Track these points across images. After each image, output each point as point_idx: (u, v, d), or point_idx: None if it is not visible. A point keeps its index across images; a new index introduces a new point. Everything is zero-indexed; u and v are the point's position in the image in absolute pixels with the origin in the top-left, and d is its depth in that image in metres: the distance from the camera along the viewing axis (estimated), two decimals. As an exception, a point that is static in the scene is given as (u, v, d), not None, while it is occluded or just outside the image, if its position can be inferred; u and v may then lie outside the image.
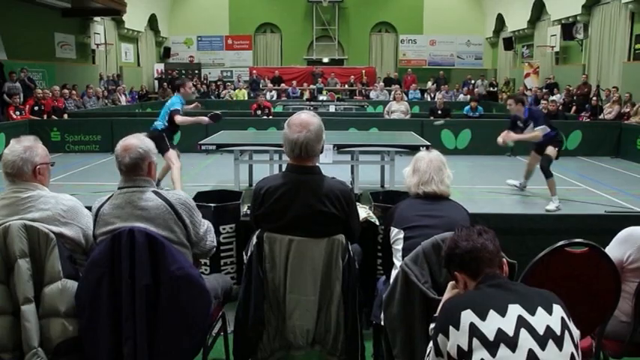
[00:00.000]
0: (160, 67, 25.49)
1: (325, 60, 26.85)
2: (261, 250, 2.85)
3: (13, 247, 2.55)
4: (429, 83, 23.16)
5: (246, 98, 21.15)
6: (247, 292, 2.88)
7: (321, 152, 2.95)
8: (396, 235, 2.89)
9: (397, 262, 2.83)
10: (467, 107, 14.40)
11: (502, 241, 2.49)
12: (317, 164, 2.95)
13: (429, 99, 20.29)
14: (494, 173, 9.92)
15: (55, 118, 13.48)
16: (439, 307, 2.12)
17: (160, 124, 7.66)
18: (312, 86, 22.68)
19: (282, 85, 22.88)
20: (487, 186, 8.50)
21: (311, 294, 2.87)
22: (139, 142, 2.71)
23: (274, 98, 20.77)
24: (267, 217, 2.88)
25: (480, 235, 2.15)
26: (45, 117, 13.36)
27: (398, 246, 2.86)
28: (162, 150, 7.22)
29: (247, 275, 2.89)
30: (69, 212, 2.69)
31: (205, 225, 2.89)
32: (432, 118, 13.20)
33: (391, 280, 2.79)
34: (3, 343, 2.54)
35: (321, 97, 20.50)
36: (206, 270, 3.93)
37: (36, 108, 13.46)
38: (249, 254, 2.90)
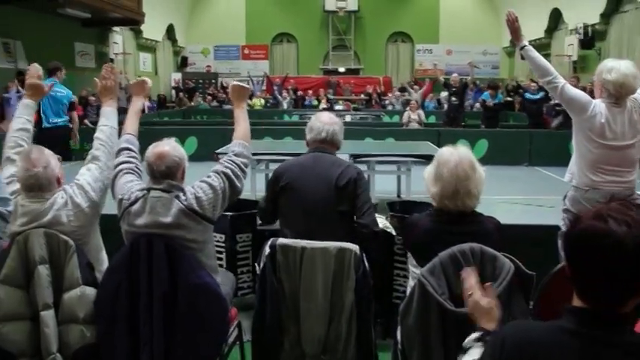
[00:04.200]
0: (177, 76, 25.64)
1: (341, 70, 26.85)
2: (275, 259, 2.85)
3: (34, 254, 2.58)
4: (444, 93, 23.02)
5: (262, 107, 21.22)
6: (263, 302, 2.88)
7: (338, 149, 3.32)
8: (413, 261, 2.79)
9: (412, 281, 2.78)
10: (486, 93, 14.28)
11: (517, 253, 2.48)
12: None
13: (445, 107, 20.17)
14: (511, 183, 9.86)
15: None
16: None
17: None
18: (329, 93, 22.60)
19: (299, 93, 22.92)
20: (503, 196, 8.45)
21: (322, 303, 2.87)
22: (173, 149, 2.74)
23: (290, 107, 20.80)
24: (287, 187, 3.14)
25: None
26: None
27: (415, 269, 2.80)
28: None
29: (262, 285, 2.90)
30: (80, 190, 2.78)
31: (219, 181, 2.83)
32: (445, 94, 13.02)
33: (407, 291, 2.78)
34: (22, 349, 2.57)
35: (337, 107, 20.51)
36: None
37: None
38: (262, 264, 2.91)
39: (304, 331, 2.91)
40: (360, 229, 3.13)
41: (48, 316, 2.57)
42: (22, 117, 3.11)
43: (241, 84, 3.29)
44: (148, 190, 2.70)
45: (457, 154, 2.65)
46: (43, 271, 2.58)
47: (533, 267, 2.50)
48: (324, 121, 3.29)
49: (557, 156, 9.38)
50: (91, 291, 2.64)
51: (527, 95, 13.55)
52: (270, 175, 3.26)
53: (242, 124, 3.12)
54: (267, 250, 2.88)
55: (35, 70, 3.27)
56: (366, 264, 2.87)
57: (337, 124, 3.33)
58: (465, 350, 1.88)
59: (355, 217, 3.16)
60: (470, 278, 2.06)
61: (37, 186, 2.70)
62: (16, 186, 2.78)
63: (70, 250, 2.62)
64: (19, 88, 12.88)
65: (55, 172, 2.78)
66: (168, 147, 2.74)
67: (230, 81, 21.73)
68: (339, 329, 2.89)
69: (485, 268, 2.46)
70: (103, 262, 2.90)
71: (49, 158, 2.77)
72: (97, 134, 3.04)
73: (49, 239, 2.61)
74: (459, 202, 2.62)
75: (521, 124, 15.12)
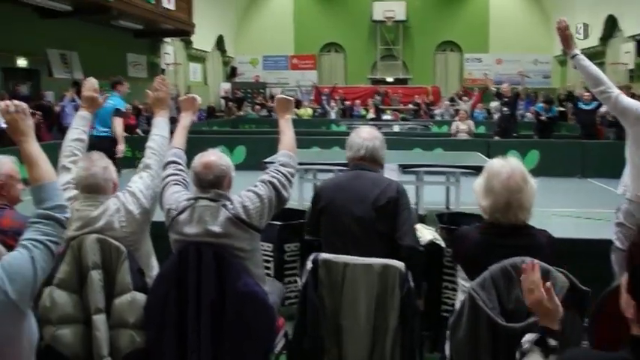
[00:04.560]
0: (227, 86, 26.01)
1: (389, 79, 26.79)
2: (317, 274, 2.83)
3: (87, 259, 2.64)
4: (494, 103, 22.65)
5: (310, 117, 21.32)
6: (302, 319, 2.85)
7: (382, 167, 3.19)
8: (463, 274, 2.71)
9: (462, 295, 2.72)
10: (539, 105, 14.01)
11: (571, 267, 2.40)
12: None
13: (495, 117, 19.87)
14: (563, 196, 9.63)
15: (126, 134, 13.99)
16: None
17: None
18: (376, 98, 22.50)
19: (347, 103, 22.93)
20: (554, 209, 8.25)
21: (364, 322, 2.79)
22: (219, 159, 2.78)
23: (338, 116, 20.82)
24: (328, 207, 3.03)
25: None
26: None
27: (465, 282, 2.75)
28: None
29: (302, 301, 2.87)
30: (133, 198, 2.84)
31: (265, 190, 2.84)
32: (495, 104, 12.77)
33: (457, 305, 2.72)
34: (75, 351, 2.63)
35: (385, 117, 20.44)
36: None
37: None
38: (304, 280, 2.89)
39: (346, 352, 2.83)
40: (401, 250, 2.96)
41: (99, 320, 2.62)
42: (78, 128, 3.22)
43: (286, 97, 3.34)
44: (196, 199, 2.74)
45: (508, 165, 2.56)
46: (96, 276, 2.64)
47: (587, 282, 2.42)
48: (363, 137, 3.16)
49: (611, 167, 9.10)
50: (141, 297, 2.68)
51: (580, 105, 13.20)
52: (317, 186, 3.21)
53: (287, 134, 3.15)
54: (309, 265, 2.85)
55: (91, 83, 3.37)
56: (411, 282, 2.79)
57: (377, 139, 3.17)
58: (523, 353, 1.83)
59: (395, 237, 2.97)
60: (533, 273, 1.99)
61: (94, 185, 2.78)
62: (72, 193, 2.86)
63: (121, 255, 2.67)
64: (75, 97, 13.30)
65: (113, 175, 2.88)
66: (215, 157, 2.78)
67: (277, 91, 22.05)
68: (383, 350, 2.79)
69: (538, 282, 2.39)
70: (154, 267, 2.96)
71: (109, 162, 2.90)
72: (149, 143, 3.11)
73: (101, 245, 2.67)
74: (511, 216, 2.53)
75: (574, 134, 14.78)
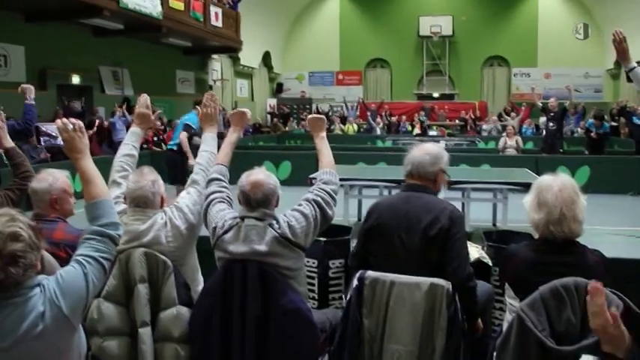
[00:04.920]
0: (273, 101, 26.26)
1: (435, 95, 26.63)
2: (362, 292, 2.78)
3: (134, 272, 2.68)
4: (543, 119, 22.22)
5: (356, 132, 21.33)
6: (343, 337, 2.81)
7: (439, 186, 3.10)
8: (511, 293, 2.63)
9: (510, 315, 2.65)
10: (590, 121, 13.70)
11: (625, 289, 2.31)
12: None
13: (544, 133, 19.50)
14: (616, 214, 9.35)
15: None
16: None
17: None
18: (421, 115, 22.37)
19: (393, 119, 22.85)
20: (607, 227, 8.02)
21: (410, 344, 2.71)
22: (267, 177, 2.79)
23: (384, 132, 20.77)
24: (376, 228, 2.96)
25: None
26: (164, 147, 14.16)
27: (513, 301, 2.66)
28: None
29: (344, 319, 2.83)
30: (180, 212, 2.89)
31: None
32: (543, 119, 12.53)
33: (505, 325, 2.65)
34: (121, 364, 2.66)
35: (431, 132, 20.29)
36: (314, 304, 3.94)
37: (155, 138, 14.27)
38: (348, 297, 2.85)
39: None
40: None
41: (145, 333, 2.65)
42: (129, 143, 3.29)
43: (317, 115, 3.35)
44: (242, 218, 2.74)
45: (559, 180, 2.55)
46: (142, 289, 2.67)
47: (642, 306, 2.33)
48: (417, 153, 3.05)
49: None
50: (186, 311, 2.70)
51: (635, 119, 12.84)
52: (370, 206, 3.12)
53: (325, 152, 3.15)
54: (355, 282, 2.80)
55: (144, 100, 3.43)
56: (458, 303, 2.72)
57: (430, 154, 3.02)
58: None
59: (446, 272, 2.82)
60: (598, 296, 1.88)
61: (142, 198, 2.83)
62: (121, 207, 2.91)
63: (167, 270, 2.70)
64: (125, 112, 13.63)
65: (161, 190, 2.93)
66: (263, 175, 2.79)
67: (324, 107, 22.12)
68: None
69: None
70: (199, 282, 2.98)
71: (158, 177, 2.94)
72: (197, 159, 3.16)
73: (148, 259, 2.71)
74: (565, 228, 2.48)
75: (627, 150, 14.38)
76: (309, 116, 3.37)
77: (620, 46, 3.59)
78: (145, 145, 13.90)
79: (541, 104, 13.55)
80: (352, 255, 3.23)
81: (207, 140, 3.26)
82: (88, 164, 2.28)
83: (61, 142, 2.33)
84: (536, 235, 2.67)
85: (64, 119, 2.31)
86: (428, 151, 3.06)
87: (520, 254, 2.61)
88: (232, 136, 3.32)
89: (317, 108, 24.97)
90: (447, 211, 2.88)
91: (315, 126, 3.27)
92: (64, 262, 2.48)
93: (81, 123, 2.34)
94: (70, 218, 3.09)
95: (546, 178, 2.58)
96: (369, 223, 3.03)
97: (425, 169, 3.01)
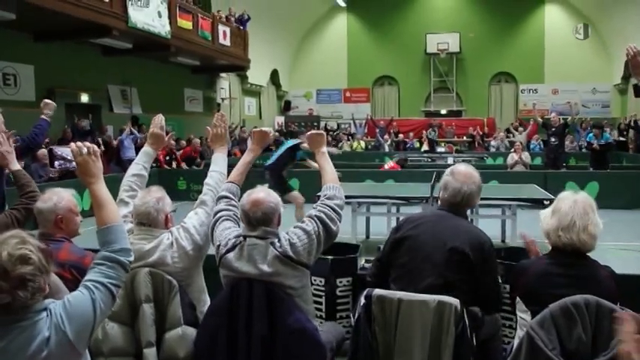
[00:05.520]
0: (281, 119, 26.34)
1: (443, 112, 26.64)
2: (370, 311, 2.76)
3: (139, 292, 2.67)
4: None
5: (363, 149, 21.33)
6: (355, 357, 2.79)
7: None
8: (522, 307, 2.65)
9: (520, 331, 2.63)
10: (590, 134, 13.70)
11: (634, 307, 2.28)
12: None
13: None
14: (626, 229, 9.26)
15: (186, 167, 14.35)
16: None
17: None
18: (430, 133, 22.36)
19: (400, 136, 22.85)
20: (619, 242, 7.94)
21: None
22: (267, 195, 2.75)
23: (392, 149, 20.76)
24: (404, 240, 2.96)
25: None
26: (175, 165, 14.23)
27: (524, 315, 2.66)
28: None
29: (355, 338, 2.80)
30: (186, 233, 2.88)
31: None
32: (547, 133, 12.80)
33: (515, 344, 2.61)
34: (126, 385, 2.64)
35: (439, 149, 20.27)
36: (321, 323, 3.91)
37: (167, 158, 14.34)
38: (356, 315, 2.82)
39: None
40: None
41: (150, 354, 2.63)
42: (140, 163, 3.28)
43: (316, 131, 3.29)
44: (244, 237, 2.73)
45: (578, 195, 2.63)
46: (148, 309, 2.66)
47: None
48: (460, 179, 2.99)
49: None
50: (192, 331, 2.68)
51: None
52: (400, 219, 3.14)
53: (327, 169, 3.08)
54: (362, 300, 2.78)
55: (159, 120, 3.42)
56: (467, 320, 2.70)
57: (476, 184, 3.01)
58: None
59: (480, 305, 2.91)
60: (627, 324, 1.95)
61: (146, 215, 2.83)
62: (128, 226, 2.90)
63: (173, 290, 2.68)
64: (132, 130, 13.69)
65: (166, 208, 2.92)
66: (263, 193, 2.76)
67: (332, 124, 22.14)
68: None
69: (602, 323, 2.28)
70: (205, 303, 2.95)
71: (165, 196, 2.95)
72: (206, 180, 3.15)
73: (154, 279, 2.69)
74: (574, 236, 2.52)
75: (637, 165, 14.30)
76: (308, 133, 3.31)
77: (635, 60, 3.56)
78: (154, 165, 13.96)
79: (541, 120, 13.64)
80: (375, 261, 3.23)
81: (217, 160, 3.25)
82: (102, 189, 2.26)
83: (75, 166, 2.31)
84: (545, 251, 2.66)
85: (79, 143, 2.28)
86: (472, 179, 3.01)
87: (532, 267, 2.65)
88: (249, 155, 3.28)
89: (325, 126, 25.03)
90: (478, 237, 2.91)
91: (315, 142, 3.23)
92: (69, 282, 2.47)
93: (95, 147, 2.32)
94: (76, 238, 3.07)
95: (567, 192, 2.66)
96: (399, 235, 3.02)
97: (472, 200, 3.02)
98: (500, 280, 3.61)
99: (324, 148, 3.21)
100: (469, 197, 2.99)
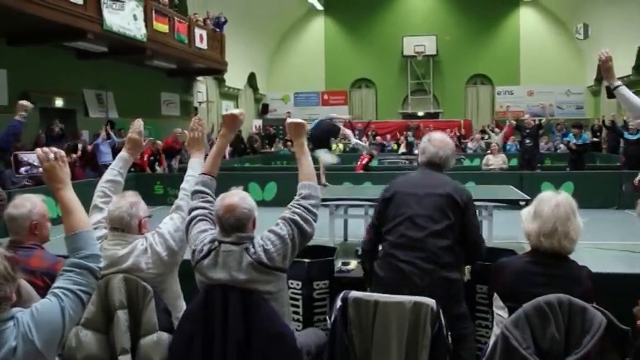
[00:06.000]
0: (258, 122, 26.28)
1: (420, 114, 26.77)
2: (346, 313, 2.76)
3: (113, 298, 2.64)
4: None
5: (341, 152, 21.35)
6: (332, 358, 2.78)
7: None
8: (499, 303, 2.68)
9: (497, 328, 2.66)
10: (570, 134, 13.91)
11: (608, 304, 2.31)
12: None
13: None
14: (601, 228, 9.38)
15: (167, 162, 14.32)
16: None
17: None
18: (409, 135, 22.47)
19: (378, 138, 22.92)
20: (594, 242, 8.04)
21: None
22: (241, 200, 2.69)
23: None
24: (394, 197, 3.23)
25: None
26: (157, 166, 14.29)
27: (500, 312, 2.69)
28: None
29: (331, 341, 2.79)
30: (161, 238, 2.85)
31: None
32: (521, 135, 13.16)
33: (490, 344, 2.63)
34: (100, 393, 2.60)
35: (416, 151, 20.31)
36: (299, 326, 3.90)
37: (152, 158, 14.34)
38: (333, 318, 2.82)
39: None
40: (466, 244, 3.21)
41: (125, 361, 2.60)
42: (115, 169, 3.22)
43: (296, 120, 3.11)
44: (219, 242, 2.69)
45: (560, 196, 2.63)
46: (122, 315, 2.63)
47: (627, 321, 2.32)
48: (437, 145, 3.35)
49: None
50: (167, 337, 2.66)
51: (627, 135, 13.02)
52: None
53: (304, 162, 2.97)
54: (338, 303, 2.78)
55: (137, 125, 3.35)
56: (443, 320, 2.71)
57: (451, 149, 3.39)
58: None
59: (465, 248, 3.19)
60: None
61: (118, 219, 2.79)
62: (101, 232, 2.87)
63: (148, 295, 2.66)
64: (110, 134, 13.56)
65: (140, 213, 2.87)
66: (237, 198, 2.70)
67: (309, 127, 22.15)
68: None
69: (574, 321, 2.31)
70: (181, 308, 2.92)
71: (140, 201, 2.90)
72: (182, 184, 3.10)
73: (128, 285, 2.67)
74: (555, 242, 2.56)
75: (610, 165, 14.49)
76: (288, 120, 3.13)
77: (606, 65, 3.64)
78: (132, 169, 13.86)
79: (515, 122, 13.88)
80: (369, 227, 3.43)
81: (194, 165, 3.19)
82: (70, 194, 2.21)
83: (41, 172, 2.25)
84: (521, 252, 2.69)
85: (45, 148, 2.23)
86: (448, 145, 3.39)
87: (510, 265, 2.69)
88: (221, 141, 3.17)
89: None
90: (460, 187, 3.26)
91: (295, 131, 3.07)
92: (41, 290, 2.43)
93: (62, 152, 2.27)
94: (47, 244, 3.03)
95: (548, 193, 2.68)
96: (388, 194, 3.29)
97: (448, 162, 3.37)
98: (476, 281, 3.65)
99: (304, 139, 3.08)
100: (445, 160, 3.34)
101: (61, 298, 1.99)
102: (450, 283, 3.04)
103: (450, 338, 2.81)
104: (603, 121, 18.53)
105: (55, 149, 2.25)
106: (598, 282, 2.65)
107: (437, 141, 3.38)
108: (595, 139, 21.14)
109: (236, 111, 3.21)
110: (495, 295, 2.72)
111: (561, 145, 19.69)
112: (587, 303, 2.34)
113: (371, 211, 7.98)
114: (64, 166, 2.25)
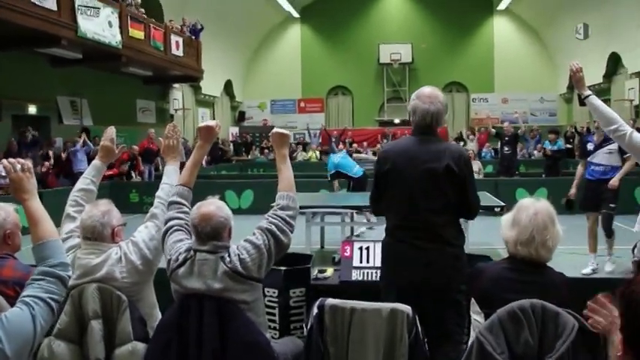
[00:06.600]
0: (235, 130, 26.21)
1: (397, 121, 26.89)
2: (322, 321, 2.75)
3: (87, 308, 2.61)
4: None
5: (318, 159, 21.36)
6: None
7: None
8: (476, 308, 2.69)
9: (474, 333, 2.68)
10: (546, 141, 14.12)
11: (583, 308, 2.33)
12: None
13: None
14: (575, 233, 9.46)
15: (144, 164, 14.23)
16: None
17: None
18: (383, 141, 22.57)
19: (354, 146, 22.97)
20: (568, 246, 8.13)
21: None
22: (217, 209, 2.67)
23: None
24: (390, 172, 3.16)
25: None
26: (133, 173, 14.19)
27: (477, 317, 2.71)
28: None
29: (307, 349, 2.78)
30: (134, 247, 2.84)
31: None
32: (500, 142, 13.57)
33: (467, 349, 2.65)
34: (74, 405, 2.57)
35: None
36: (275, 334, 3.89)
37: (129, 163, 14.42)
38: (309, 326, 2.81)
39: None
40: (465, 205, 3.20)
41: (100, 371, 2.57)
42: (88, 177, 3.20)
43: (282, 130, 3.13)
44: (195, 251, 2.68)
45: (539, 204, 2.63)
46: (96, 325, 2.60)
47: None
48: (427, 101, 3.21)
49: (625, 204, 8.98)
50: (142, 346, 2.63)
51: (588, 146, 13.22)
52: (380, 152, 3.35)
53: (285, 173, 2.98)
54: (315, 310, 2.77)
55: (111, 132, 3.33)
56: (419, 327, 2.71)
57: (441, 102, 3.24)
58: None
59: (462, 207, 3.18)
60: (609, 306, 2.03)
61: (91, 228, 2.77)
62: (75, 241, 2.84)
63: (122, 305, 2.63)
64: (87, 141, 13.42)
65: (113, 222, 2.85)
66: (213, 207, 2.69)
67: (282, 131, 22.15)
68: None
69: (547, 326, 2.33)
70: (156, 318, 2.89)
71: (113, 209, 2.88)
72: (158, 192, 3.08)
73: (102, 294, 2.64)
74: (532, 250, 2.57)
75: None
76: (274, 130, 3.15)
77: (576, 75, 3.73)
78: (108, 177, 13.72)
79: (495, 131, 14.10)
80: (370, 200, 3.42)
81: (169, 173, 3.17)
82: (36, 205, 2.20)
83: (7, 182, 2.24)
84: (497, 259, 2.71)
85: (11, 159, 2.22)
86: (438, 98, 3.24)
87: (487, 271, 2.70)
88: (197, 152, 3.14)
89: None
90: (457, 151, 3.18)
91: (278, 141, 3.08)
92: (13, 300, 2.38)
93: (29, 163, 2.26)
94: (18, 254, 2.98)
95: (528, 200, 2.69)
96: (384, 169, 3.21)
97: (441, 118, 3.23)
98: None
99: (286, 150, 3.10)
100: (438, 115, 3.18)
101: (32, 306, 1.97)
102: (455, 258, 3.12)
103: (427, 346, 2.82)
104: (575, 128, 18.82)
105: (22, 160, 2.24)
106: (572, 287, 2.68)
107: (425, 96, 3.24)
108: (568, 146, 21.44)
109: (211, 122, 3.19)
110: (473, 300, 2.73)
111: (535, 152, 19.95)
112: (562, 309, 2.37)
113: (347, 219, 8.03)
114: (30, 177, 2.24)
